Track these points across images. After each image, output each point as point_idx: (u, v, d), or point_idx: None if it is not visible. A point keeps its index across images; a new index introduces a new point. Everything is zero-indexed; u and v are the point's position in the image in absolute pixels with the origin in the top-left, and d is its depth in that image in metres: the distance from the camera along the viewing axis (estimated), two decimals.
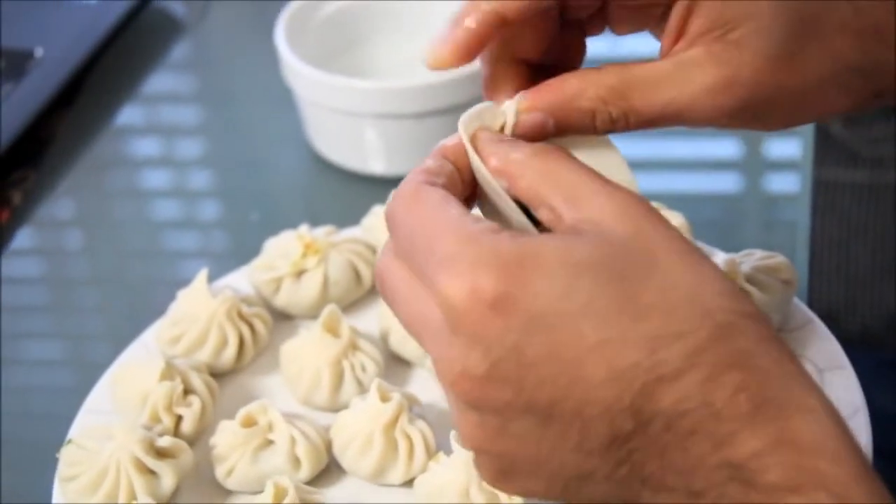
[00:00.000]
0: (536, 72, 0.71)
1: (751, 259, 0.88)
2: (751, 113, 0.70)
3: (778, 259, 0.88)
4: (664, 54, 0.70)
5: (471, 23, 0.68)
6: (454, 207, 0.62)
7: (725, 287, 0.59)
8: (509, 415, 0.60)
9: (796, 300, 0.89)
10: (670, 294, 0.58)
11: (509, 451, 0.61)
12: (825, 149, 1.54)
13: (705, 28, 0.69)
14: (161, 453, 0.83)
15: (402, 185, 0.65)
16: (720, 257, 0.88)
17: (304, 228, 0.96)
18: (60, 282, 1.13)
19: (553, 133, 0.69)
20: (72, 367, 1.07)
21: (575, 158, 0.65)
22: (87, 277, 1.14)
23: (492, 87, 0.71)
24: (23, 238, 1.12)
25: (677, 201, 0.95)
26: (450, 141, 0.67)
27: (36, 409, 1.01)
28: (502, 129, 0.68)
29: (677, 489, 0.58)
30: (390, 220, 0.64)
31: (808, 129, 1.16)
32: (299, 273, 0.94)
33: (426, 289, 0.62)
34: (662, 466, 0.58)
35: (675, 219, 0.92)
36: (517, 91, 0.69)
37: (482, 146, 0.66)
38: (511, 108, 0.69)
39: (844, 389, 0.83)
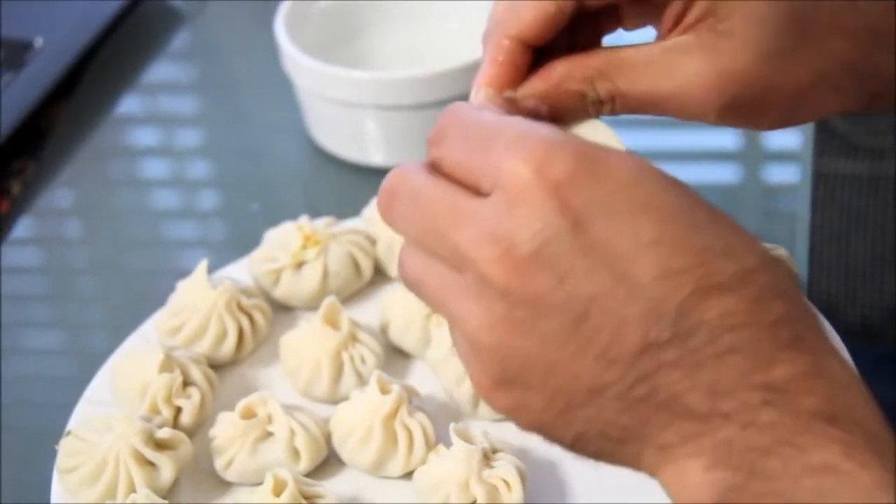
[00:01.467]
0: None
1: None
2: (741, 109, 0.70)
3: (778, 251, 0.88)
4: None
5: (498, 56, 0.69)
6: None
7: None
8: (542, 309, 0.56)
9: None
10: (721, 219, 0.58)
11: (526, 353, 0.57)
12: (825, 140, 1.54)
13: (698, 17, 0.69)
14: (160, 445, 0.83)
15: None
16: None
17: (303, 220, 0.96)
18: (60, 271, 1.13)
19: (547, 119, 0.69)
20: (71, 356, 1.07)
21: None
22: (86, 267, 1.14)
23: (491, 72, 0.70)
24: (22, 228, 1.12)
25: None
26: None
27: (36, 398, 1.00)
28: None
29: (696, 415, 0.56)
30: (442, 126, 0.62)
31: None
32: (299, 264, 0.94)
33: (480, 173, 0.59)
34: (693, 385, 0.55)
35: None
36: (515, 76, 0.70)
37: None
38: (477, 98, 0.69)
39: None
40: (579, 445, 0.59)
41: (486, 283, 0.57)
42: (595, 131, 0.70)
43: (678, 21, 0.70)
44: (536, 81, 0.69)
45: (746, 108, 0.70)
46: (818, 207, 1.52)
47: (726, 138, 1.18)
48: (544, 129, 0.58)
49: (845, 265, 1.50)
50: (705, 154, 1.18)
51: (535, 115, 0.68)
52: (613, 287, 0.56)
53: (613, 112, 0.70)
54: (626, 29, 0.74)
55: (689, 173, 1.15)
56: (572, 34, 0.71)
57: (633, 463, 0.59)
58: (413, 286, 0.62)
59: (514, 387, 0.58)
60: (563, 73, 0.69)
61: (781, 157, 1.18)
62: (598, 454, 0.59)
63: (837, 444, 0.55)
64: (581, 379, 0.57)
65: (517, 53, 0.69)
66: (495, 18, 0.70)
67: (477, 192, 0.59)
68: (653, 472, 0.59)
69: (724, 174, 1.18)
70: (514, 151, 0.57)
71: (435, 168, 0.61)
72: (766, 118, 0.72)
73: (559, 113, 0.69)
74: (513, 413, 0.60)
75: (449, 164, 0.61)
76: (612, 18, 0.73)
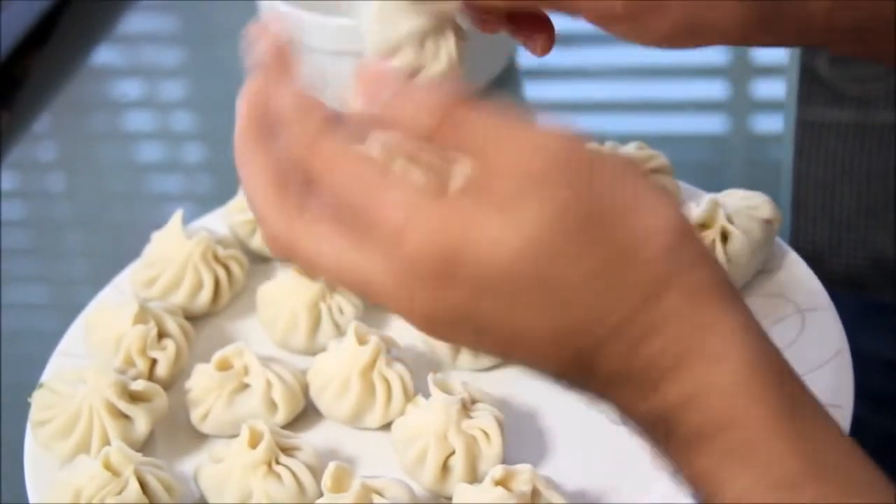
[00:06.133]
0: None
1: (733, 199, 0.87)
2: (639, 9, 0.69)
3: (760, 198, 0.87)
4: None
5: None
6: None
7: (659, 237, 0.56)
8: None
9: (779, 240, 0.88)
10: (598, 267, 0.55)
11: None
12: (811, 88, 1.53)
13: None
14: (134, 397, 0.82)
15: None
16: (702, 198, 0.87)
17: None
18: (41, 225, 1.12)
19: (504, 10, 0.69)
20: (52, 311, 1.06)
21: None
22: (68, 220, 1.12)
23: None
24: (2, 180, 1.10)
25: (660, 141, 0.94)
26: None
27: (16, 352, 0.99)
28: None
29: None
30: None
31: (794, 69, 1.15)
32: None
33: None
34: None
35: (657, 159, 0.91)
36: None
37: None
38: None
39: (826, 330, 0.82)
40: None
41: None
42: None
43: None
44: None
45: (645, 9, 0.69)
46: (803, 157, 1.52)
47: (711, 87, 1.17)
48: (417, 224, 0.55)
49: (830, 214, 1.49)
50: (690, 103, 1.16)
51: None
52: None
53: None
54: None
55: (674, 123, 1.15)
56: None
57: None
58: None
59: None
60: None
61: (766, 106, 1.17)
62: None
63: None
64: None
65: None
66: None
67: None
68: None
69: (709, 124, 1.17)
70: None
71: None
72: (661, 24, 0.71)
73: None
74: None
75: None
76: None
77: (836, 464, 0.55)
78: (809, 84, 1.52)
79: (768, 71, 1.18)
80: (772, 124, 1.17)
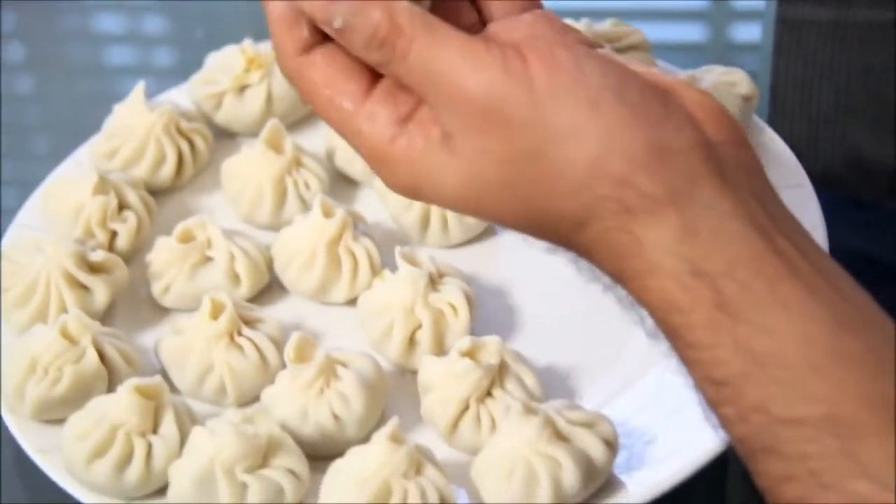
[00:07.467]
0: None
1: (711, 75, 0.85)
2: None
3: (738, 74, 0.85)
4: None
5: None
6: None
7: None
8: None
9: (756, 118, 0.87)
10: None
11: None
12: None
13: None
14: (94, 268, 0.80)
15: None
16: (680, 74, 0.85)
17: (247, 42, 0.92)
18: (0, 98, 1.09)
19: None
20: (10, 186, 1.03)
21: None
22: (28, 93, 1.10)
23: None
24: None
25: (639, 17, 0.92)
26: None
27: None
28: None
29: None
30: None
31: None
32: (242, 88, 0.90)
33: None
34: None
35: (634, 35, 0.88)
36: None
37: None
38: None
39: (803, 206, 0.81)
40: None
41: None
42: None
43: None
44: None
45: None
46: (782, 54, 1.49)
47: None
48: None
49: (808, 112, 1.48)
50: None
51: None
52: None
53: None
54: None
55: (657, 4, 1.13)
56: None
57: None
58: None
59: None
60: None
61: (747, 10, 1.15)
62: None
63: None
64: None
65: None
66: None
67: None
68: None
69: (689, 33, 1.15)
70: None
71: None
72: None
73: None
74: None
75: None
76: None
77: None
78: None
79: None
80: (750, 33, 1.15)
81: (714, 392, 0.54)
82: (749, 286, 0.53)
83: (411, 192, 0.59)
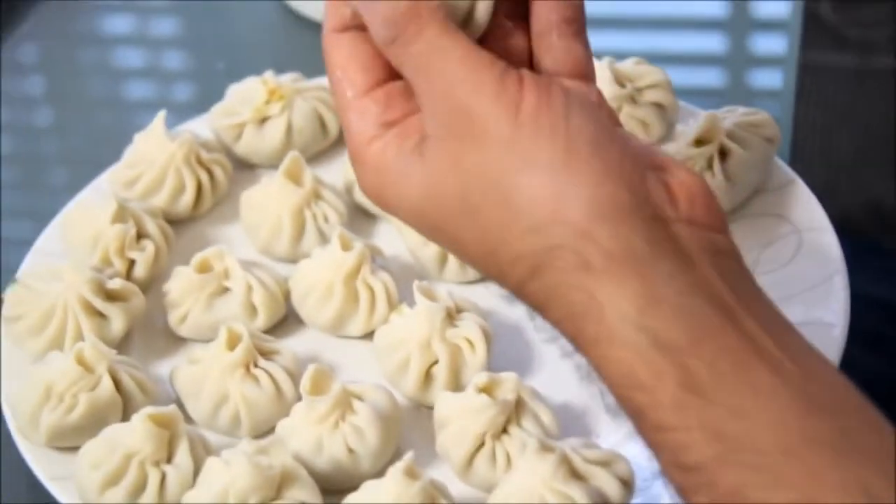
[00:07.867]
0: None
1: (733, 115, 0.85)
2: None
3: (761, 115, 0.85)
4: None
5: None
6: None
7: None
8: None
9: (779, 161, 0.86)
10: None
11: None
12: (812, 32, 1.50)
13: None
14: (111, 296, 0.80)
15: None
16: (702, 114, 0.85)
17: (268, 74, 0.92)
18: (20, 130, 1.09)
19: None
20: (29, 217, 1.03)
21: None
22: (48, 126, 1.10)
23: None
24: None
25: (662, 61, 0.92)
26: None
27: None
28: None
29: None
30: None
31: (797, 13, 1.13)
32: (262, 119, 0.90)
33: None
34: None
35: (655, 74, 0.88)
36: None
37: None
38: None
39: (824, 250, 0.80)
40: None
41: None
42: None
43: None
44: None
45: None
46: (803, 100, 1.49)
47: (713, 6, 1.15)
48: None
49: (828, 159, 1.47)
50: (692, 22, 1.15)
51: None
52: None
53: None
54: None
55: (678, 44, 1.13)
56: None
57: None
58: None
59: None
60: None
61: (769, 57, 1.15)
62: None
63: None
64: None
65: None
66: None
67: None
68: None
69: (710, 77, 1.15)
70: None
71: None
72: None
73: None
74: None
75: None
76: None
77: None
78: (810, 27, 1.50)
79: (769, 25, 1.17)
80: (771, 79, 1.15)
81: (684, 478, 0.53)
82: (715, 365, 0.53)
83: (376, 196, 0.61)
